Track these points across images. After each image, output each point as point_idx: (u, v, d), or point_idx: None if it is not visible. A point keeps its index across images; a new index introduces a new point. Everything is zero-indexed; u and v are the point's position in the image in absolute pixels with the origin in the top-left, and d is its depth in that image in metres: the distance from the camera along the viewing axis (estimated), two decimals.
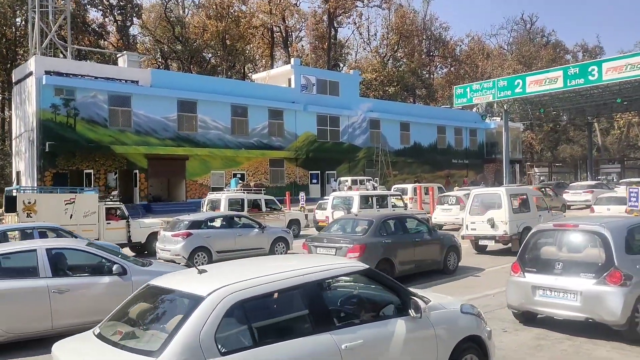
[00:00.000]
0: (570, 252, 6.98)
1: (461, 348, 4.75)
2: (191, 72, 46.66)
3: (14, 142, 30.86)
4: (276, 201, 21.90)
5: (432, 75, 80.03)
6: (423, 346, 4.48)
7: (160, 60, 51.65)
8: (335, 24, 61.22)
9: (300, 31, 66.79)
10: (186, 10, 49.89)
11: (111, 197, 17.46)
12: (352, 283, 4.93)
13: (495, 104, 37.00)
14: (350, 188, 32.30)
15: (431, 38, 76.08)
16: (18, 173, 29.89)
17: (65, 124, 28.01)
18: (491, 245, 15.31)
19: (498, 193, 15.17)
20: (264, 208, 20.80)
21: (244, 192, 21.02)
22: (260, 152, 36.19)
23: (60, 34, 42.19)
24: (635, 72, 29.13)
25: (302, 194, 27.44)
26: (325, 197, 25.60)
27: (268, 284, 3.81)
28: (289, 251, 16.23)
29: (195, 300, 3.56)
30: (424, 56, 75.03)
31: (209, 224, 15.17)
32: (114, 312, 4.11)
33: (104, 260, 7.84)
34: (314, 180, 39.30)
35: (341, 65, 66.20)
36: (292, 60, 40.99)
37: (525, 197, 15.77)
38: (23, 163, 29.21)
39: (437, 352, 4.53)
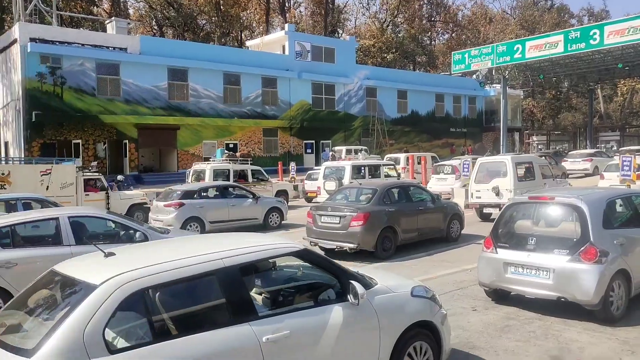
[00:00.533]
0: (546, 227, 6.56)
1: (408, 335, 4.35)
2: (185, 40, 45.62)
3: (0, 111, 30.29)
4: (263, 172, 21.49)
5: (433, 42, 78.44)
6: (362, 336, 4.06)
7: (155, 28, 50.60)
8: None
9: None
10: None
11: (90, 168, 17.03)
12: (294, 267, 4.51)
13: (494, 70, 36.06)
14: (341, 158, 31.90)
15: (432, 2, 74.12)
16: (6, 143, 29.45)
17: (52, 93, 27.40)
18: (495, 212, 14.73)
19: (503, 161, 15.23)
20: (250, 179, 20.46)
21: (229, 163, 20.54)
22: (254, 122, 35.57)
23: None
24: (638, 36, 28.18)
25: (292, 164, 27.00)
26: (315, 168, 25.15)
27: (174, 270, 3.35)
28: (283, 221, 16.13)
29: (86, 290, 3.14)
30: (424, 21, 73.35)
31: (202, 194, 15.11)
32: (15, 298, 3.72)
33: (126, 227, 7.85)
34: (309, 150, 38.77)
35: (340, 31, 64.79)
36: (286, 26, 39.82)
37: (530, 165, 15.77)
38: (10, 133, 28.75)
39: (379, 341, 4.12)
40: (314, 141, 39.05)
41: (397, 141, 45.10)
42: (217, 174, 19.77)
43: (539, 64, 36.56)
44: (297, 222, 16.73)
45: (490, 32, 70.95)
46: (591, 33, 30.13)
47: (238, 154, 21.89)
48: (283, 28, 51.96)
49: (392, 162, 23.22)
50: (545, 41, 32.41)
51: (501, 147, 37.14)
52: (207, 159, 33.15)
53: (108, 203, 15.65)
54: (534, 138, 46.96)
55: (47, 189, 14.44)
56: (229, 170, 19.95)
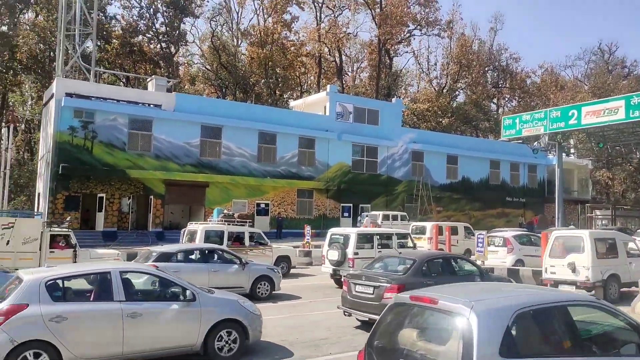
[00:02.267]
0: (427, 343, 4.42)
1: None
2: (236, 100, 46.39)
3: (38, 163, 31.28)
4: (263, 235, 19.90)
5: (502, 108, 75.74)
6: None
7: (215, 87, 52.13)
8: (390, 53, 59.44)
9: (362, 62, 65.61)
10: (235, 39, 50.00)
11: (61, 223, 16.25)
12: None
13: (547, 137, 33.12)
14: (375, 224, 29.85)
15: (499, 69, 72.13)
16: (38, 195, 30.12)
17: (82, 147, 27.89)
18: (574, 290, 14.33)
19: (581, 236, 14.35)
20: (247, 242, 18.91)
21: (224, 224, 19.23)
22: (287, 182, 34.56)
23: (106, 58, 43.59)
24: None
25: (307, 228, 25.29)
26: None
27: None
28: (274, 292, 14.47)
29: None
30: (489, 87, 71.23)
31: (179, 257, 13.75)
32: None
33: (174, 285, 7.85)
34: (346, 214, 37.00)
35: (397, 95, 64.01)
36: (328, 87, 39.35)
37: (613, 241, 14.75)
38: (42, 185, 29.40)
39: None
40: (351, 204, 37.30)
41: (446, 208, 42.39)
42: (210, 235, 18.37)
43: (601, 130, 33.33)
44: (294, 294, 15.18)
45: (560, 99, 67.43)
46: None
47: (236, 214, 20.56)
48: (339, 92, 52.22)
49: (407, 232, 21.02)
50: (604, 107, 29.41)
51: (556, 220, 33.55)
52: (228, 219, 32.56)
53: (75, 262, 14.64)
54: (598, 212, 42.39)
55: (7, 243, 13.69)
56: (222, 232, 18.60)
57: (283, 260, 19.57)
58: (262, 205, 33.86)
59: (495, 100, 75.07)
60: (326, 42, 51.12)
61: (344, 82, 60.73)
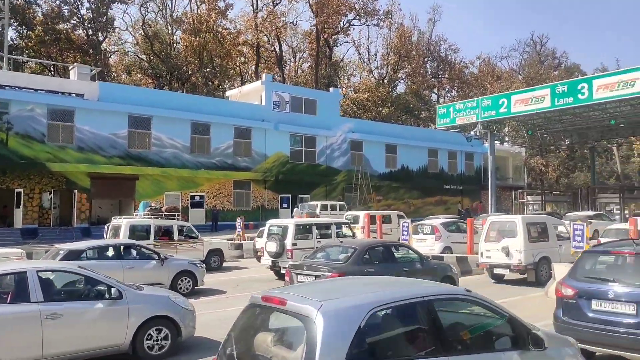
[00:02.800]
0: (281, 347, 3.96)
1: None
2: (173, 90, 44.75)
3: None
4: (193, 228, 19.19)
5: (442, 98, 77.14)
6: None
7: (152, 77, 50.06)
8: (330, 43, 59.16)
9: (304, 52, 64.90)
10: (169, 27, 48.11)
11: None
12: None
13: (481, 125, 33.76)
14: (310, 215, 29.52)
15: (438, 59, 73.35)
16: None
17: None
18: (509, 274, 15.03)
19: (514, 221, 14.75)
20: (176, 236, 18.17)
21: (151, 218, 18.31)
22: (223, 173, 33.63)
23: (30, 46, 41.01)
24: (628, 90, 25.81)
25: (239, 220, 24.61)
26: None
27: None
28: (197, 287, 13.84)
29: None
30: (429, 78, 72.35)
31: (89, 254, 12.76)
32: None
33: (99, 283, 7.58)
34: (284, 205, 36.47)
35: (339, 86, 63.85)
36: (263, 76, 38.59)
37: (544, 225, 15.19)
38: None
39: None
40: (290, 195, 36.81)
41: (386, 197, 42.69)
42: (135, 230, 17.58)
43: (530, 118, 34.31)
44: (220, 288, 14.63)
45: (496, 89, 69.30)
46: (579, 87, 27.92)
47: (164, 208, 19.65)
48: (281, 82, 51.39)
49: (348, 221, 20.87)
50: (532, 95, 30.24)
51: (490, 206, 34.39)
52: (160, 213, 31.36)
53: None
54: (529, 198, 43.90)
55: None
56: (149, 226, 17.76)
57: (215, 254, 18.91)
58: (197, 198, 32.84)
59: (435, 91, 76.41)
60: (264, 31, 50.12)
61: (285, 73, 60.01)
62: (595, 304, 6.33)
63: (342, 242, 13.12)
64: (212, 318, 10.59)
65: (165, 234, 18.40)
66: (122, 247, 13.39)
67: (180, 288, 13.40)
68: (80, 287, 7.72)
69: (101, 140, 29.10)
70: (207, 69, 45.13)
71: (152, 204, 21.13)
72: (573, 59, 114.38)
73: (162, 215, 19.02)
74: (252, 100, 37.41)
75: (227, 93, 42.35)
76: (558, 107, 29.08)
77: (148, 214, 18.70)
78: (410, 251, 12.05)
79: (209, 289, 14.49)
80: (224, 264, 19.67)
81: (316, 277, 9.97)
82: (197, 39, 42.41)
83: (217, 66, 46.91)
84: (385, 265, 10.76)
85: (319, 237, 16.97)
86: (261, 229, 21.73)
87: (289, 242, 15.83)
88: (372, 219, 22.27)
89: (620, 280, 6.30)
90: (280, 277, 15.64)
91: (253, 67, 57.74)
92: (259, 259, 20.25)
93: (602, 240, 18.65)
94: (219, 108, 34.26)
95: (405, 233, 17.14)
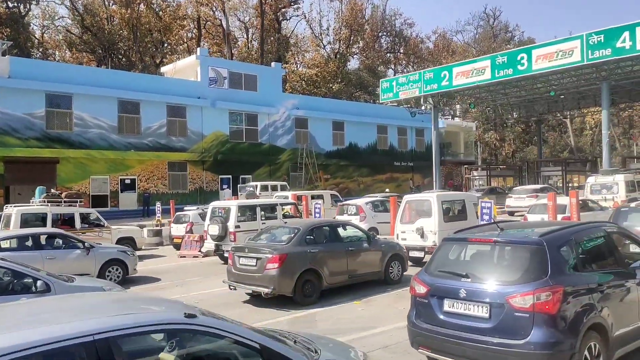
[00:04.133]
0: None
1: None
2: (107, 67, 42.14)
3: None
4: (99, 215, 17.59)
5: (399, 74, 76.05)
6: None
7: (88, 54, 47.05)
8: (278, 17, 57.06)
9: (256, 28, 62.50)
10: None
11: None
12: None
13: (429, 98, 32.75)
14: (253, 195, 28.18)
15: (393, 34, 72.04)
16: None
17: None
18: (427, 257, 13.88)
19: (428, 200, 13.73)
20: (78, 224, 16.59)
21: (47, 205, 16.60)
22: (156, 154, 31.76)
23: None
24: (566, 60, 25.12)
25: (158, 205, 23.02)
26: (186, 209, 21.25)
27: None
28: (128, 276, 13.10)
29: None
30: (384, 53, 71.07)
31: (2, 245, 11.83)
32: None
33: (25, 275, 7.22)
34: (225, 186, 34.87)
35: (290, 62, 61.90)
36: (198, 50, 36.55)
37: (462, 203, 14.34)
38: None
39: None
40: (230, 176, 35.22)
41: (333, 176, 41.60)
42: (28, 219, 16.00)
43: (475, 91, 33.52)
44: (152, 275, 14.07)
45: (451, 64, 68.64)
46: (519, 57, 27.13)
47: (63, 194, 17.92)
48: (229, 58, 49.17)
49: (294, 201, 19.72)
50: (472, 67, 29.34)
51: (434, 182, 33.66)
52: (96, 197, 29.43)
53: None
54: (475, 173, 43.54)
55: None
56: (45, 214, 16.14)
57: (125, 242, 17.32)
58: (127, 181, 30.94)
59: (392, 66, 75.29)
60: (207, 3, 47.63)
61: (232, 49, 57.69)
62: (447, 305, 5.19)
63: (286, 222, 13.09)
64: None
65: (65, 222, 16.86)
66: (42, 236, 12.52)
67: (109, 278, 12.61)
68: (4, 280, 7.20)
69: (15, 121, 26.84)
70: (141, 44, 42.51)
71: (53, 190, 19.28)
72: (529, 32, 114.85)
73: (61, 202, 17.27)
74: (187, 76, 35.41)
75: (162, 69, 40.11)
76: (498, 79, 28.30)
77: (44, 201, 16.94)
78: (358, 230, 11.76)
79: (143, 276, 13.83)
80: (138, 253, 18.22)
81: (257, 259, 9.75)
82: (129, 11, 39.74)
83: (156, 41, 44.32)
84: (330, 244, 10.59)
85: (264, 218, 15.99)
86: (177, 214, 20.31)
87: (231, 224, 15.17)
88: (299, 200, 21.02)
89: (474, 275, 5.16)
90: (225, 261, 14.79)
91: (202, 43, 55.38)
92: (176, 246, 19.01)
93: (529, 217, 17.95)
94: (149, 85, 32.17)
95: (317, 215, 15.99)
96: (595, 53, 23.85)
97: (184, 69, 36.19)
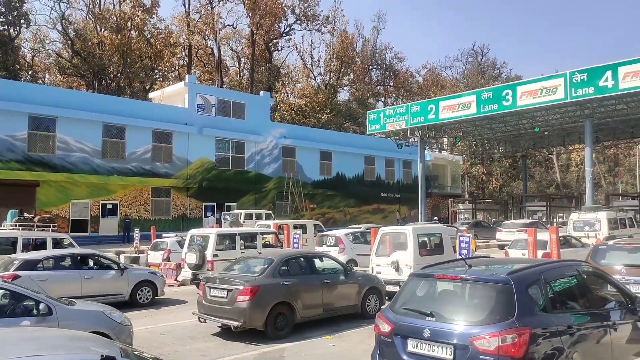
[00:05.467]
0: None
1: None
2: (95, 91, 42.06)
3: None
4: (72, 241, 17.10)
5: (386, 106, 76.80)
6: None
7: (78, 78, 46.97)
8: (270, 47, 57.68)
9: (248, 57, 63.00)
10: (94, 24, 45.20)
11: None
12: None
13: (408, 131, 32.94)
14: (237, 224, 27.84)
15: (383, 67, 73.07)
16: None
17: None
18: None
19: (404, 232, 13.33)
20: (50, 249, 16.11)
21: (19, 229, 16.18)
22: (139, 180, 31.37)
23: None
24: (550, 97, 25.44)
25: (136, 231, 22.59)
26: (164, 235, 20.84)
27: None
28: (157, 297, 13.53)
29: None
30: (374, 85, 71.90)
31: (45, 264, 12.21)
32: None
33: (23, 298, 7.18)
34: (209, 213, 34.44)
35: (280, 92, 62.31)
36: (186, 77, 36.64)
37: (439, 236, 13.90)
38: None
39: None
40: (215, 203, 34.85)
41: (320, 205, 41.34)
42: None
43: (461, 125, 33.81)
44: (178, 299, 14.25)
45: (438, 97, 69.50)
46: (504, 93, 27.46)
47: (36, 218, 17.51)
48: (220, 86, 49.36)
49: (274, 231, 19.40)
50: (458, 101, 29.63)
51: (420, 214, 33.53)
52: (76, 222, 28.89)
53: None
54: (461, 206, 43.58)
55: None
56: (16, 238, 15.71)
57: None
58: (109, 206, 30.46)
59: (382, 99, 76.10)
60: (198, 32, 48.05)
61: (226, 77, 58.04)
62: (411, 345, 4.93)
63: (260, 253, 12.86)
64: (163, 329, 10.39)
65: (37, 247, 16.36)
66: (79, 257, 12.94)
67: (140, 298, 13.25)
68: (5, 303, 7.18)
69: None
70: (132, 70, 42.54)
71: (26, 214, 18.85)
72: (516, 70, 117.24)
73: (33, 226, 16.85)
74: (175, 103, 35.36)
75: (150, 95, 40.08)
76: (484, 114, 28.58)
77: (15, 225, 16.51)
78: (334, 262, 11.49)
79: (170, 298, 14.15)
80: None
81: (228, 291, 9.44)
82: (119, 37, 39.86)
83: (146, 67, 44.40)
84: (305, 277, 10.26)
85: (243, 247, 15.68)
86: (155, 241, 19.91)
87: (209, 253, 14.79)
88: (280, 230, 20.72)
89: (439, 314, 4.91)
90: None
91: (195, 71, 55.67)
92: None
93: (510, 252, 17.79)
94: (136, 110, 32.03)
95: (296, 245, 15.70)
96: (579, 91, 24.22)
97: (172, 95, 36.18)
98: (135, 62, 42.18)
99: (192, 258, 14.83)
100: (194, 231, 16.56)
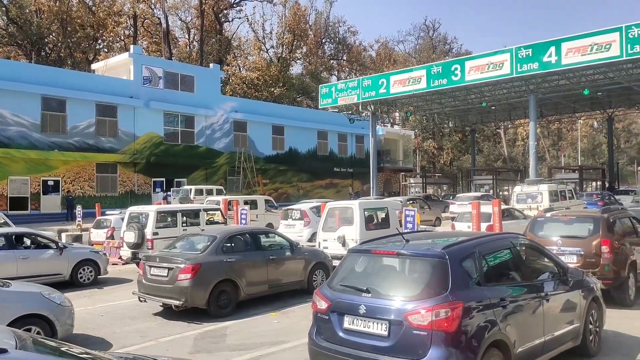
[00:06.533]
0: None
1: None
2: (32, 62, 39.77)
3: None
4: (7, 219, 16.38)
5: (339, 80, 76.52)
6: None
7: (16, 48, 44.20)
8: (220, 18, 56.05)
9: (197, 29, 61.00)
10: None
11: None
12: None
13: (369, 105, 32.91)
14: (187, 200, 27.25)
15: (336, 41, 72.48)
16: None
17: None
18: None
19: (351, 207, 13.28)
20: None
21: None
22: (82, 155, 30.12)
23: None
24: (496, 72, 25.87)
25: (78, 208, 21.78)
26: (108, 213, 20.16)
27: None
28: (100, 276, 13.22)
29: None
30: (327, 59, 71.37)
31: None
32: None
33: None
34: (158, 189, 33.59)
35: (232, 64, 60.91)
36: (131, 47, 35.17)
37: (385, 210, 13.80)
38: None
39: None
40: (164, 179, 33.98)
41: (273, 180, 41.08)
42: None
43: (412, 100, 34.05)
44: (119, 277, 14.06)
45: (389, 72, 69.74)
46: (452, 68, 27.69)
47: None
48: (168, 58, 47.62)
49: (219, 207, 18.94)
50: (409, 76, 29.73)
51: (371, 189, 33.84)
52: (15, 199, 27.56)
53: None
54: (411, 180, 44.33)
55: None
56: None
57: None
58: (50, 183, 29.17)
59: (335, 73, 75.73)
60: (145, 0, 46.02)
61: (173, 49, 56.09)
62: (347, 321, 4.88)
63: (203, 230, 12.64)
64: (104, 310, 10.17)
65: None
66: (14, 236, 12.48)
67: (82, 278, 12.91)
68: None
69: None
70: (73, 40, 40.41)
71: None
72: (466, 45, 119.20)
73: None
74: (120, 75, 33.93)
75: (93, 66, 38.29)
76: (434, 89, 28.81)
77: None
78: (280, 238, 11.36)
79: (113, 277, 13.91)
80: None
81: (169, 269, 9.21)
82: (58, 3, 37.64)
83: (89, 37, 42.25)
84: (249, 253, 10.12)
85: (185, 225, 15.21)
86: (98, 218, 19.24)
87: (149, 231, 14.31)
88: (229, 205, 20.40)
89: (375, 290, 4.87)
90: None
91: (142, 42, 53.49)
92: None
93: (456, 225, 18.22)
94: (77, 82, 30.53)
95: (244, 222, 15.49)
96: (524, 66, 24.73)
97: (117, 67, 34.66)
98: (76, 32, 40.04)
99: (130, 237, 14.38)
100: (133, 208, 16.03)
